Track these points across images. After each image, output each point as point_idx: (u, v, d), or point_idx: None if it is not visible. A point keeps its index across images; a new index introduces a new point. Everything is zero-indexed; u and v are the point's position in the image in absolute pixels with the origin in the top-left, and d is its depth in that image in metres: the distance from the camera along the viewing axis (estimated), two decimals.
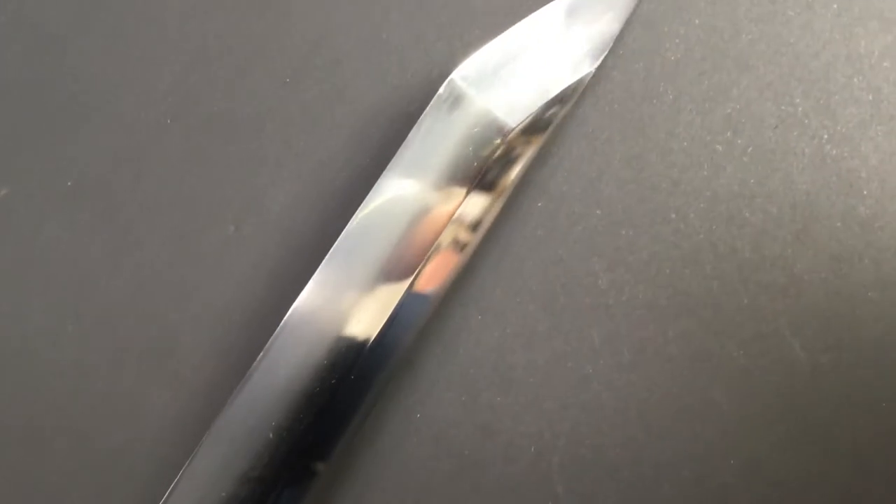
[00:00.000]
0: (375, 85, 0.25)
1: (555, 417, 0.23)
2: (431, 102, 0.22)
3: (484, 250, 0.24)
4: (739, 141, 0.23)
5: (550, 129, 0.23)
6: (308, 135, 0.25)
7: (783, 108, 0.23)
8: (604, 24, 0.23)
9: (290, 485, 0.20)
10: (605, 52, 0.23)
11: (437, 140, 0.22)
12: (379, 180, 0.22)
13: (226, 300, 0.25)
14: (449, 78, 0.22)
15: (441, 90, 0.22)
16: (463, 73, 0.22)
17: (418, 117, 0.22)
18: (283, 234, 0.25)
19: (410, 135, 0.22)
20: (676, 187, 0.23)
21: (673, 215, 0.23)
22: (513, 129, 0.22)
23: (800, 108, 0.23)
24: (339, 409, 0.21)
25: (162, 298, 0.25)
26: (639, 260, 0.23)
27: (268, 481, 0.20)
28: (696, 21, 0.23)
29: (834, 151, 0.22)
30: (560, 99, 0.23)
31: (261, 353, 0.20)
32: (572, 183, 0.24)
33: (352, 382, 0.21)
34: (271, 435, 0.20)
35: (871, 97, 0.22)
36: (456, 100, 0.22)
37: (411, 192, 0.22)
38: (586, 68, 0.23)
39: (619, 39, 0.24)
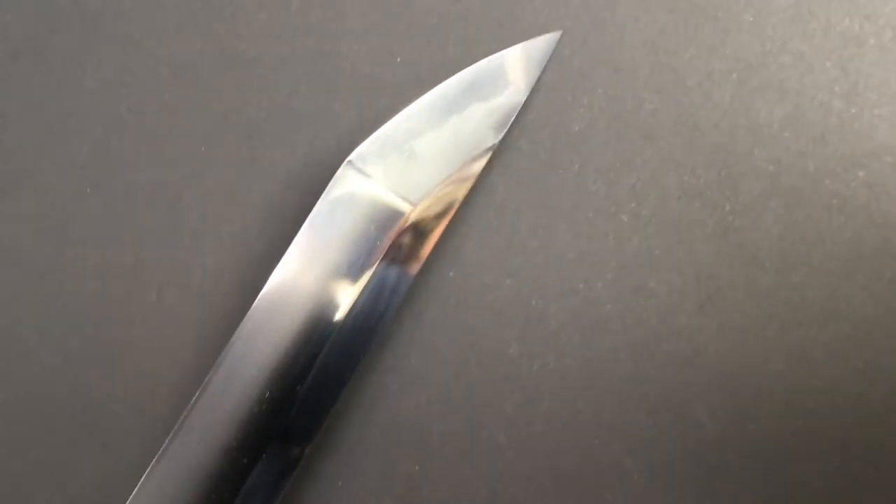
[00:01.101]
0: (287, 155, 0.25)
1: (471, 486, 0.23)
2: (330, 184, 0.22)
3: (399, 319, 0.24)
4: (644, 212, 0.23)
5: (457, 203, 0.23)
6: (224, 204, 0.25)
7: (685, 178, 0.23)
8: (506, 97, 0.23)
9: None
10: (509, 124, 0.23)
11: (337, 222, 0.22)
12: (278, 266, 0.22)
13: (151, 365, 0.25)
14: (347, 159, 0.22)
15: (339, 171, 0.22)
16: (362, 153, 0.22)
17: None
18: (204, 300, 0.25)
19: (311, 217, 0.22)
20: (583, 257, 0.23)
21: (581, 285, 0.23)
22: (415, 207, 0.22)
23: (702, 179, 0.23)
24: None
25: (88, 365, 0.25)
26: (549, 329, 0.23)
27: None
28: (599, 91, 0.23)
29: (736, 223, 0.22)
30: (464, 173, 0.23)
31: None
32: (482, 253, 0.24)
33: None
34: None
35: (771, 168, 0.22)
36: (355, 181, 0.22)
37: (310, 279, 0.22)
38: (490, 141, 0.23)
39: (524, 109, 0.23)
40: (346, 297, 0.22)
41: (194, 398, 0.21)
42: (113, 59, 0.26)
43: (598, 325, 0.23)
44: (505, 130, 0.23)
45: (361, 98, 0.25)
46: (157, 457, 0.20)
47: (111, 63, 0.26)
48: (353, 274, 0.22)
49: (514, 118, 0.23)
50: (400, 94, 0.24)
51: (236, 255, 0.25)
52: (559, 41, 0.23)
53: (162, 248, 0.25)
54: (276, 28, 0.25)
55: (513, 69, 0.23)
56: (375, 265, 0.22)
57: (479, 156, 0.23)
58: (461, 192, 0.23)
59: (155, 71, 0.26)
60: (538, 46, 0.23)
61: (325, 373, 0.22)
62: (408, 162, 0.23)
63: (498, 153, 0.24)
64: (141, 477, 0.20)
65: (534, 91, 0.23)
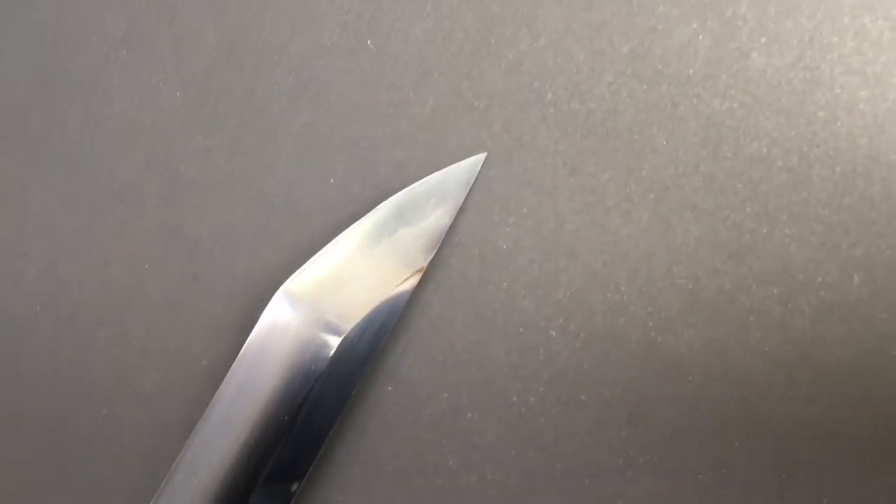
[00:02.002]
0: (228, 273, 0.26)
1: None
2: (263, 314, 0.23)
3: (340, 432, 0.24)
4: (571, 327, 0.24)
5: (391, 323, 0.23)
6: (169, 320, 0.26)
7: (609, 295, 0.23)
8: (434, 220, 0.24)
9: None
10: (437, 246, 0.24)
11: (272, 349, 0.23)
12: (215, 396, 0.22)
13: (102, 479, 0.25)
14: (281, 288, 0.23)
15: (272, 302, 0.23)
16: (294, 284, 0.23)
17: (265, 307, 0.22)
18: (151, 415, 0.26)
19: (246, 345, 0.23)
20: (516, 371, 0.24)
21: (514, 398, 0.24)
22: (348, 332, 0.23)
23: (625, 296, 0.23)
24: None
25: (41, 481, 0.26)
26: (485, 442, 0.24)
27: None
28: (524, 210, 0.24)
29: (659, 338, 0.23)
30: (396, 295, 0.23)
31: None
32: (419, 368, 0.24)
33: None
34: None
35: (690, 286, 0.23)
36: (289, 309, 0.23)
37: (246, 406, 0.22)
38: (420, 263, 0.24)
39: (455, 229, 0.24)
40: (283, 420, 0.23)
41: None
42: (57, 180, 0.27)
43: (533, 436, 0.24)
44: (434, 252, 0.24)
45: (297, 217, 0.25)
46: None
47: (56, 184, 0.27)
48: (289, 399, 0.23)
49: (442, 239, 0.24)
50: (334, 213, 0.25)
51: (181, 369, 0.26)
52: (484, 163, 0.24)
53: (110, 364, 0.26)
54: (214, 150, 0.26)
55: (440, 192, 0.24)
56: (311, 389, 0.23)
57: (410, 278, 0.23)
58: (395, 314, 0.24)
59: (98, 192, 0.26)
60: (464, 169, 0.24)
61: (268, 489, 0.22)
62: (340, 288, 0.23)
63: (431, 272, 0.24)
64: None
65: (462, 211, 0.24)
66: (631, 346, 0.23)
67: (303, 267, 0.23)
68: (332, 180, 0.25)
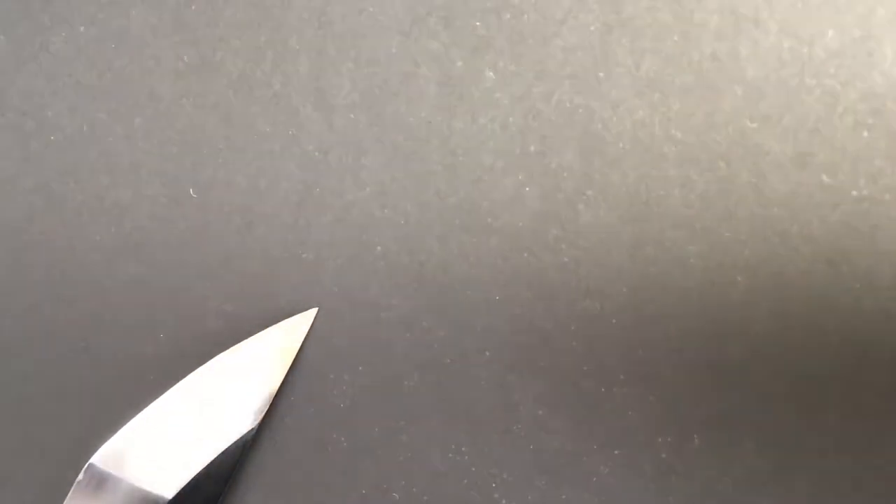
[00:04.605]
0: (59, 436, 0.24)
1: None
2: (71, 490, 0.21)
3: None
4: (415, 489, 0.22)
5: (221, 490, 0.22)
6: None
7: (450, 455, 0.22)
8: (262, 379, 0.22)
9: None
10: (267, 407, 0.22)
11: None
12: None
13: None
14: (88, 463, 0.21)
15: (80, 476, 0.21)
16: (105, 454, 0.22)
17: None
18: None
19: None
20: None
21: None
22: (167, 502, 0.21)
23: (466, 457, 0.22)
24: None
25: None
26: None
27: None
28: (360, 368, 0.22)
29: (503, 500, 0.22)
30: (224, 460, 0.22)
31: None
32: None
33: None
34: None
35: (531, 446, 0.22)
36: (99, 483, 0.21)
37: None
38: (249, 425, 0.22)
39: (289, 386, 0.23)
40: None
41: None
42: None
43: None
44: (263, 413, 0.22)
45: (126, 372, 0.24)
46: None
47: None
48: None
49: (271, 401, 0.22)
50: (164, 369, 0.24)
51: None
52: (316, 318, 0.23)
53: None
54: (37, 305, 0.24)
55: (270, 349, 0.23)
56: None
57: (236, 442, 0.22)
58: (221, 480, 0.22)
59: None
60: (294, 325, 0.23)
61: None
62: (160, 456, 0.22)
63: (266, 432, 0.23)
64: None
65: (297, 369, 0.23)
66: None
67: (115, 434, 0.22)
68: (161, 335, 0.24)
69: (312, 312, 0.23)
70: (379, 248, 0.22)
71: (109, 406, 0.24)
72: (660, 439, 0.21)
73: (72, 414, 0.24)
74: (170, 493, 0.22)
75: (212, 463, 0.22)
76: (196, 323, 0.23)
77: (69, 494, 0.21)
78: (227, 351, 0.23)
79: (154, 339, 0.24)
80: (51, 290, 0.24)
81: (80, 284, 0.24)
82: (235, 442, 0.22)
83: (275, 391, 0.22)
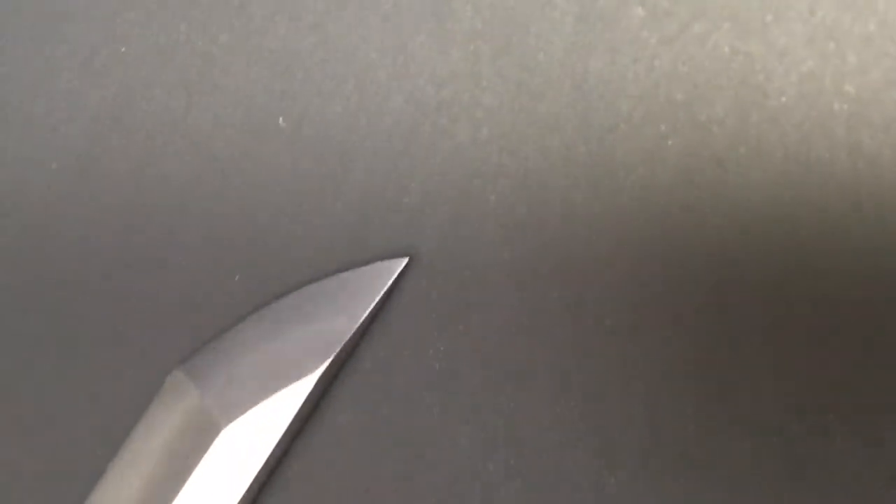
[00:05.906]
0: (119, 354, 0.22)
1: None
2: (156, 395, 0.21)
3: None
4: (512, 461, 0.21)
5: (284, 422, 0.20)
6: (60, 405, 0.22)
7: (559, 426, 0.20)
8: (334, 323, 0.20)
9: None
10: (336, 350, 0.20)
11: (157, 433, 0.21)
12: (101, 478, 0.21)
13: None
14: (173, 372, 0.20)
15: (166, 383, 0.21)
16: (188, 367, 0.21)
17: None
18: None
19: (137, 427, 0.21)
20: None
21: None
22: (225, 426, 0.20)
23: (579, 425, 0.20)
24: None
25: None
26: None
27: None
28: (460, 327, 0.20)
29: (612, 479, 0.20)
30: (286, 396, 0.20)
31: None
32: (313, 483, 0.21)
33: None
34: None
35: (647, 414, 0.20)
36: (178, 394, 0.21)
37: (130, 492, 0.20)
38: (314, 368, 0.20)
39: (378, 340, 0.21)
40: None
41: None
42: None
43: None
44: (331, 358, 0.20)
45: (197, 310, 0.22)
46: None
47: None
48: (169, 489, 0.20)
49: (343, 345, 0.20)
50: (238, 314, 0.22)
51: (67, 461, 0.22)
52: (413, 271, 0.21)
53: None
54: (109, 239, 0.22)
55: (347, 292, 0.21)
56: (189, 480, 0.20)
57: (304, 380, 0.20)
58: (286, 414, 0.20)
59: None
60: (379, 271, 0.21)
61: None
62: (229, 380, 0.20)
63: (343, 387, 0.21)
64: None
65: (387, 324, 0.21)
66: None
67: (200, 350, 0.20)
68: (237, 277, 0.22)
69: (403, 261, 0.21)
70: (492, 197, 0.20)
71: (193, 328, 0.22)
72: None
73: (153, 335, 0.22)
74: (228, 419, 0.20)
75: (275, 395, 0.20)
76: (276, 261, 0.21)
77: (154, 399, 0.21)
78: (303, 289, 0.20)
79: (229, 275, 0.22)
80: (118, 219, 0.22)
81: (152, 213, 0.22)
82: (300, 381, 0.20)
83: (343, 340, 0.20)
